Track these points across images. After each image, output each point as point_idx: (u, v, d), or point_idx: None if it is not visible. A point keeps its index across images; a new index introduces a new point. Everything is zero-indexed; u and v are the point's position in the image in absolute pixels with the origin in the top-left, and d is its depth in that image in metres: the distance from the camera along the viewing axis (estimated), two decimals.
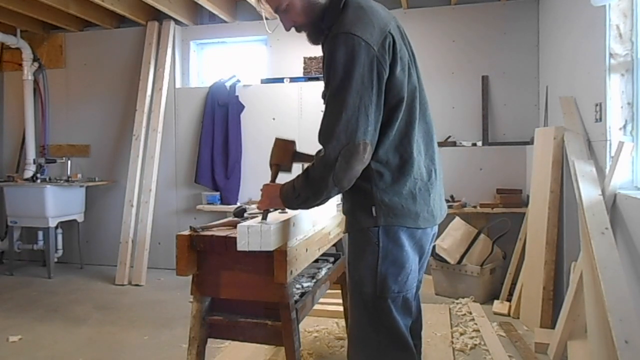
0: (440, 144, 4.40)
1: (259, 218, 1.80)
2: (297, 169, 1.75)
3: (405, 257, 1.54)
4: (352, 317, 1.65)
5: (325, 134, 1.44)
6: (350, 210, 1.60)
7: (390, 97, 1.48)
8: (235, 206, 3.12)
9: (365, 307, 1.58)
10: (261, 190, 1.71)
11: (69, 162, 5.13)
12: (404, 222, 1.52)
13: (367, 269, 1.54)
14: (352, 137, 1.40)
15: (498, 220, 3.98)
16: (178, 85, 5.10)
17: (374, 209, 1.51)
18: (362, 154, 1.42)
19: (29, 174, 5.09)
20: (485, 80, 4.44)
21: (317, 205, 1.58)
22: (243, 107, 4.86)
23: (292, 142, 1.76)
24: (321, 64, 1.66)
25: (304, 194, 1.52)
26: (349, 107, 1.40)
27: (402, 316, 1.57)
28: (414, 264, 1.59)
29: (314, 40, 1.64)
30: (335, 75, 1.42)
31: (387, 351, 1.57)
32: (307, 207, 1.64)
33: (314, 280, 2.33)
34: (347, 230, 1.63)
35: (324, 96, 1.57)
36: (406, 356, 1.58)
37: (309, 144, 1.81)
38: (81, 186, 4.96)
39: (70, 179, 5.00)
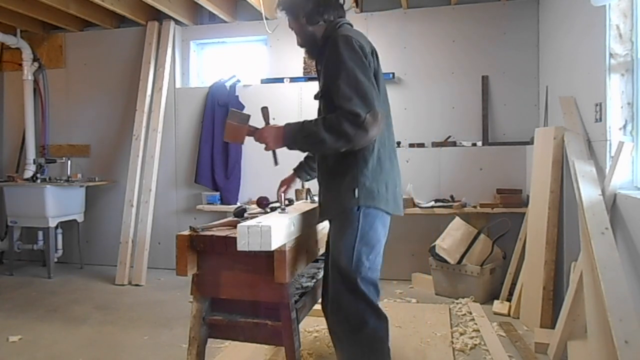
0: (440, 144, 4.41)
1: (259, 218, 1.80)
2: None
3: (376, 239, 1.86)
4: (333, 290, 1.90)
5: (349, 98, 1.68)
6: (336, 190, 1.85)
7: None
8: (235, 206, 3.13)
9: (343, 279, 1.85)
10: (258, 136, 1.91)
11: (69, 162, 5.13)
12: (379, 204, 1.83)
13: (345, 247, 1.83)
14: (372, 105, 1.69)
15: (498, 220, 3.98)
16: (178, 85, 5.10)
17: (356, 191, 1.80)
18: (379, 122, 1.71)
19: (29, 174, 5.09)
20: (485, 80, 4.44)
21: (321, 151, 1.87)
22: (243, 107, 4.85)
23: (245, 127, 1.93)
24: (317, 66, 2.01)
25: (320, 136, 1.71)
26: (364, 82, 1.70)
27: (372, 293, 1.86)
28: (381, 248, 1.91)
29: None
30: (344, 62, 1.72)
31: (366, 317, 1.83)
32: (313, 149, 1.96)
33: (314, 280, 2.33)
34: (330, 214, 1.89)
35: (317, 97, 1.92)
36: (380, 323, 1.86)
37: None
38: (81, 186, 4.96)
39: (70, 179, 5.00)
